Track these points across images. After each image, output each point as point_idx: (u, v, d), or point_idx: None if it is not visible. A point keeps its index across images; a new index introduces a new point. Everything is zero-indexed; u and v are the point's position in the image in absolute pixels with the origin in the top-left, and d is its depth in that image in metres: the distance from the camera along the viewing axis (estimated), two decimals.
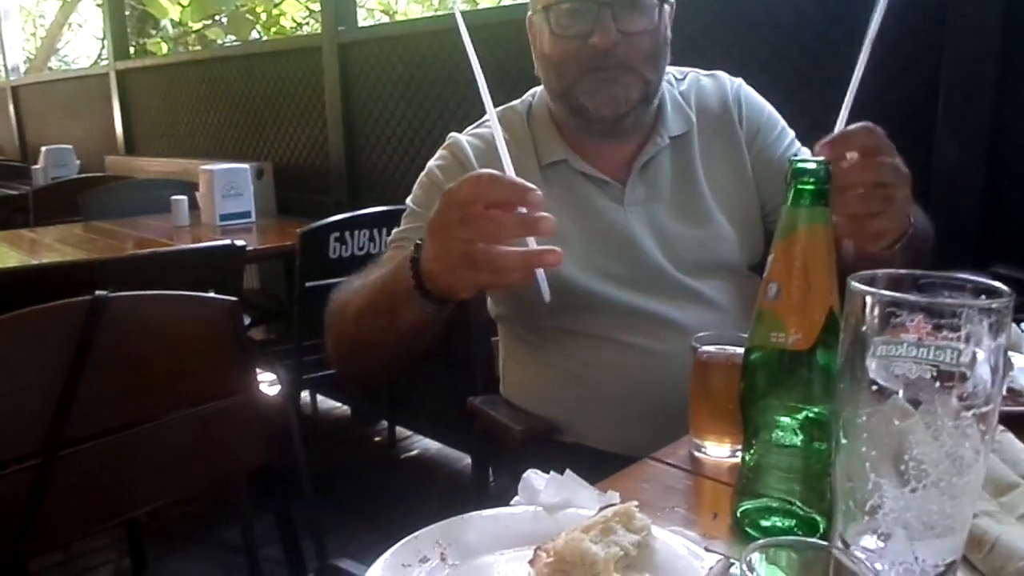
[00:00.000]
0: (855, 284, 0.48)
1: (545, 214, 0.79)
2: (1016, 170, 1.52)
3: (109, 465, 1.17)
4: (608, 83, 1.15)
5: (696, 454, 0.88)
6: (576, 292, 1.19)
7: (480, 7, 5.54)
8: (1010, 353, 1.09)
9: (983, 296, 0.48)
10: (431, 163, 1.30)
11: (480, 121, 1.32)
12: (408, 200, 1.28)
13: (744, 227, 1.26)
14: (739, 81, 1.33)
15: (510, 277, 0.81)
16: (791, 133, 1.31)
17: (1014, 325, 1.17)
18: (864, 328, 0.47)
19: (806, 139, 1.30)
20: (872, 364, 0.48)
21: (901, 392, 0.48)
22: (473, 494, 1.68)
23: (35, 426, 1.09)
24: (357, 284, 1.09)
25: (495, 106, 1.32)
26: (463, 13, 0.95)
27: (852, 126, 0.84)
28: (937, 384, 0.47)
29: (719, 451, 0.87)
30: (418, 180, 1.29)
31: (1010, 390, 1.00)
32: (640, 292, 1.20)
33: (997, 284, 0.47)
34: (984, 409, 0.47)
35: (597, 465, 0.90)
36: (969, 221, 1.55)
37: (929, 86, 1.58)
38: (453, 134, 1.31)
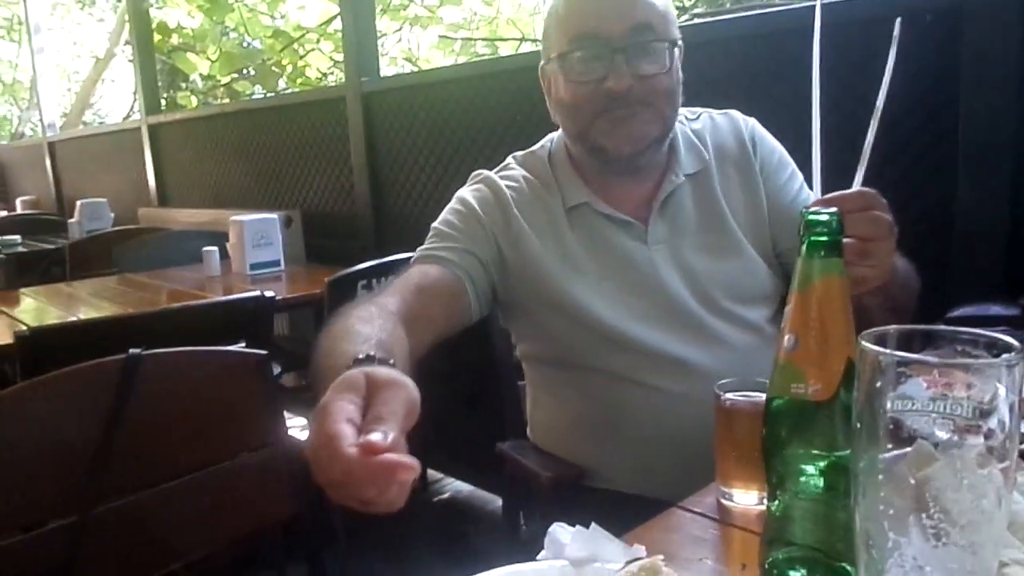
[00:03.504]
0: (865, 344, 0.49)
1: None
2: None
3: (144, 521, 1.19)
4: (625, 120, 1.17)
5: (723, 502, 0.88)
6: (604, 332, 1.20)
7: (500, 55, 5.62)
8: None
9: (994, 350, 0.48)
10: (464, 193, 1.30)
11: (503, 164, 1.35)
12: (435, 223, 1.27)
13: (767, 260, 1.27)
14: (752, 120, 1.34)
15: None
16: (800, 177, 1.30)
17: None
18: (877, 384, 0.48)
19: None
20: (887, 420, 0.48)
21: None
22: (504, 539, 1.68)
23: (71, 484, 1.11)
24: (351, 318, 1.00)
25: (521, 150, 1.36)
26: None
27: (847, 191, 0.85)
28: (954, 437, 0.48)
29: (746, 499, 0.86)
30: (448, 207, 1.29)
31: None
32: (668, 333, 1.20)
33: (1008, 339, 0.47)
34: (1004, 463, 0.47)
35: (626, 510, 0.90)
36: (996, 256, 1.53)
37: (949, 121, 1.58)
38: (483, 171, 1.33)
